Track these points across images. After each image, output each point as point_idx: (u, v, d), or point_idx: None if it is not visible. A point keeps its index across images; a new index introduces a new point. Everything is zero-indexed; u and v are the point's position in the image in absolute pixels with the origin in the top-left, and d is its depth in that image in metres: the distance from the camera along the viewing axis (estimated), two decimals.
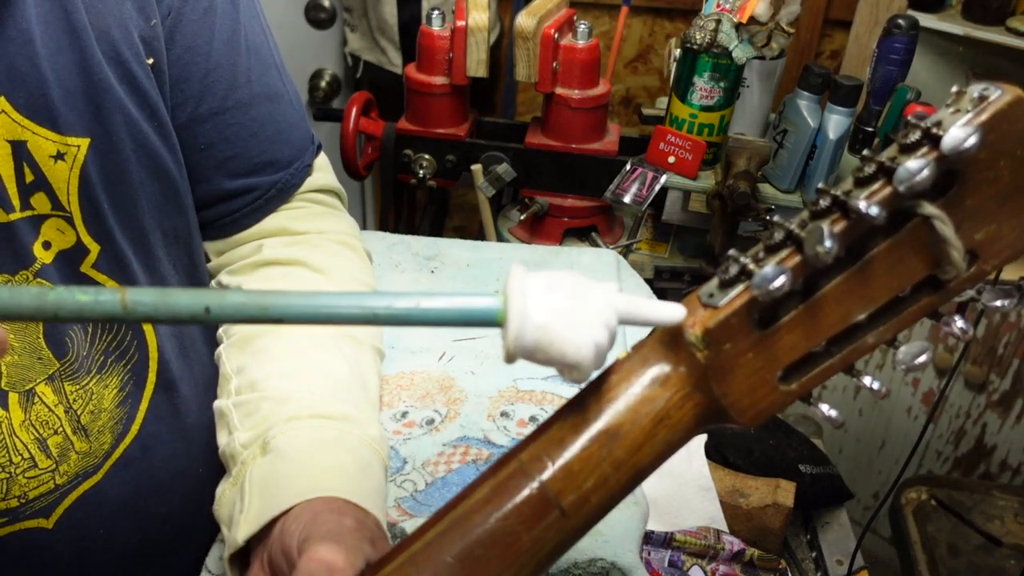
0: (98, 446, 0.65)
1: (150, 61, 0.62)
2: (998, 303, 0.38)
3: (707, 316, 0.38)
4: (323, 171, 0.77)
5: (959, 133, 0.34)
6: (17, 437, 0.61)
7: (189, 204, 0.69)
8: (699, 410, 0.39)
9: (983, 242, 0.37)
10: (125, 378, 0.66)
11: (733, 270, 0.37)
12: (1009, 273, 1.20)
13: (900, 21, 1.16)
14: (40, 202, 0.58)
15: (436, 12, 1.28)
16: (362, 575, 0.44)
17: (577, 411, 0.40)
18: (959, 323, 0.38)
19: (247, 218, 0.72)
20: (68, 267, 0.60)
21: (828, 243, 0.34)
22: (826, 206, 0.36)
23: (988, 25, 1.59)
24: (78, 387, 0.63)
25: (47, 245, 0.59)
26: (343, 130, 1.32)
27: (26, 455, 0.62)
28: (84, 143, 0.59)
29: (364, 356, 0.68)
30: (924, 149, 0.35)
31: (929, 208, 0.36)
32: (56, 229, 0.59)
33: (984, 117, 0.34)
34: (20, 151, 0.57)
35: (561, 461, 0.39)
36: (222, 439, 0.62)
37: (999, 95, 0.35)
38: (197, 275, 0.72)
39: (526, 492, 0.39)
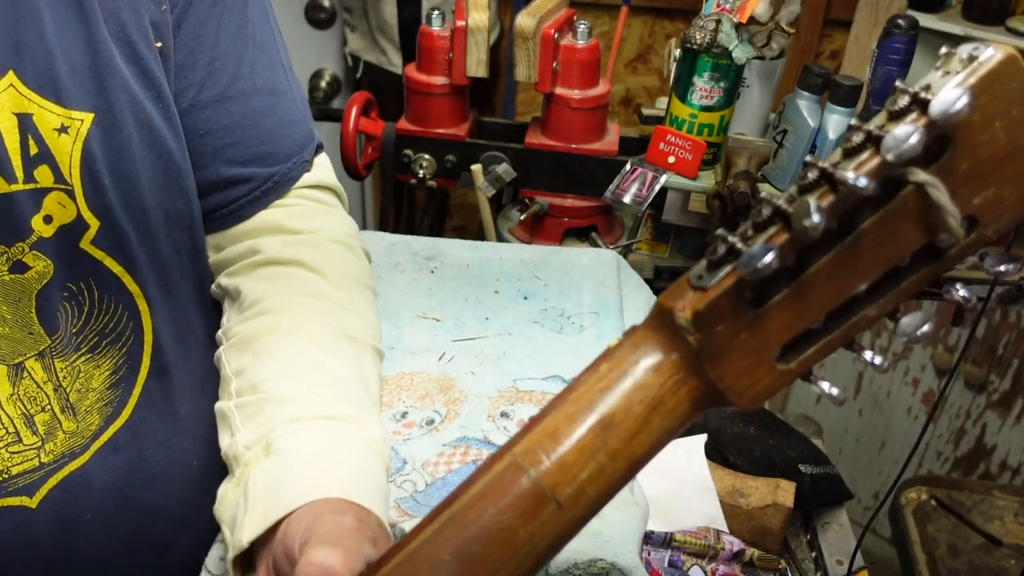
0: (85, 426, 0.65)
1: (158, 45, 0.64)
2: (1002, 268, 0.36)
3: (696, 299, 0.37)
4: (323, 169, 0.78)
5: (948, 96, 0.32)
6: (3, 410, 0.61)
7: (191, 187, 0.69)
8: (695, 395, 0.38)
9: (982, 207, 0.35)
10: (119, 361, 0.66)
11: (721, 250, 0.36)
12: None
13: (900, 21, 1.16)
14: (43, 175, 0.59)
15: (436, 12, 1.28)
16: None
17: (569, 401, 0.39)
18: (961, 291, 0.37)
19: (243, 209, 0.72)
20: (67, 241, 0.61)
21: (816, 218, 0.33)
22: (814, 179, 0.35)
23: (988, 25, 1.59)
24: (67, 364, 0.63)
25: (48, 219, 0.60)
26: (343, 130, 1.32)
27: (11, 429, 0.62)
28: (88, 117, 0.60)
29: (364, 357, 0.68)
30: (913, 115, 0.34)
31: (921, 175, 0.34)
32: (58, 203, 0.60)
33: (975, 78, 0.33)
34: (26, 124, 0.58)
35: (555, 453, 0.38)
36: (224, 441, 0.62)
37: (990, 54, 0.33)
38: (199, 259, 0.72)
39: (521, 486, 0.38)
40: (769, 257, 0.34)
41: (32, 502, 0.63)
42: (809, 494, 0.89)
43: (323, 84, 1.90)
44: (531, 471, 0.38)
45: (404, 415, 0.76)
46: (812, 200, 0.33)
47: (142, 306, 0.67)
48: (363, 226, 2.10)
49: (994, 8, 1.58)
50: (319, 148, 0.77)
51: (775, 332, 0.37)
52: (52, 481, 0.64)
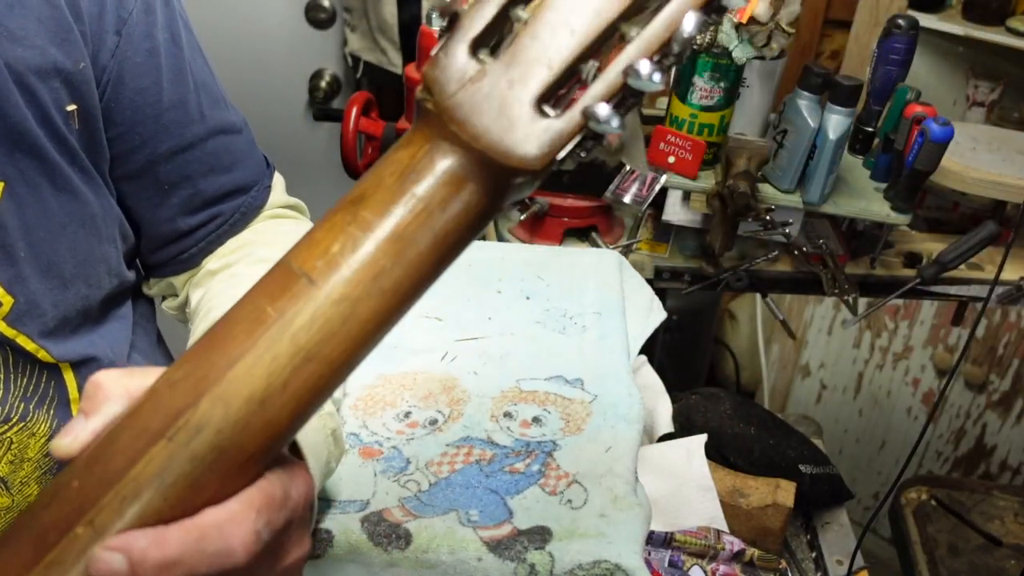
0: (22, 499, 0.62)
1: (72, 108, 0.59)
2: None
3: (426, 66, 0.36)
4: (279, 190, 0.78)
5: None
6: None
7: (114, 252, 0.67)
8: (454, 160, 0.36)
9: None
10: (53, 424, 0.63)
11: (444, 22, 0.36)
12: (1009, 273, 1.20)
13: (900, 21, 1.16)
14: None
15: (436, 12, 1.28)
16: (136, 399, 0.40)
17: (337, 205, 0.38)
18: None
19: (213, 244, 0.73)
20: None
21: None
22: None
23: (988, 25, 1.59)
24: None
25: None
26: (343, 130, 1.32)
27: None
28: None
29: None
30: None
31: None
32: None
33: None
34: None
35: (308, 237, 0.38)
36: None
37: None
38: (124, 315, 0.71)
39: (273, 272, 0.38)
40: None
41: None
42: (809, 494, 0.89)
43: (323, 84, 1.90)
44: (285, 259, 0.38)
45: (407, 415, 0.77)
46: None
47: (63, 368, 0.64)
48: None
49: (994, 8, 1.59)
50: (272, 169, 0.78)
51: (520, 79, 0.34)
52: None
